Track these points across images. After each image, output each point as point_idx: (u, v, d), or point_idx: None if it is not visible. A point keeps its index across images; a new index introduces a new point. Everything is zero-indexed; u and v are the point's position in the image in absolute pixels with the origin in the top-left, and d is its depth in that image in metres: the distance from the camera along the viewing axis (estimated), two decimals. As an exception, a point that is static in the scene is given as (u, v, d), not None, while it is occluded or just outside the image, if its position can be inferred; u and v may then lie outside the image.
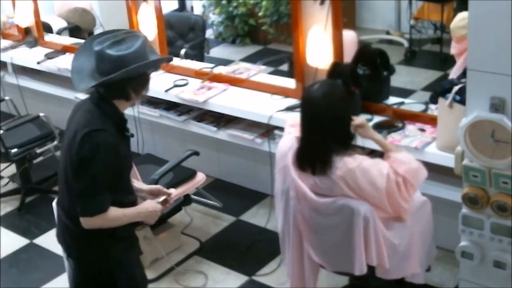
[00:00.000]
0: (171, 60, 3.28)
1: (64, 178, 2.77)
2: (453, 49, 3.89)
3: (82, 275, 2.96)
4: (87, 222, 2.68)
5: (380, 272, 3.11)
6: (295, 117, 3.10)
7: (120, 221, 2.75)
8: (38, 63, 5.23)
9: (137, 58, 2.63)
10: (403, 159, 3.00)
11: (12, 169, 5.10)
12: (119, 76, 2.61)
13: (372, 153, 3.67)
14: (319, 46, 3.85)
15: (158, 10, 4.62)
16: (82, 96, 5.04)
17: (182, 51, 5.17)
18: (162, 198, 2.93)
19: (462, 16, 3.74)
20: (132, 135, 2.86)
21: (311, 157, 3.00)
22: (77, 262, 2.94)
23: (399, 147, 3.22)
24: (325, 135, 2.95)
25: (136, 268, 2.97)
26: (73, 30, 5.85)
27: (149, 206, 2.86)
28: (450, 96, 3.23)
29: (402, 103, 3.88)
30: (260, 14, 6.69)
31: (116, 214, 2.71)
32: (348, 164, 2.91)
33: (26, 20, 5.48)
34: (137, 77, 2.68)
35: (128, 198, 2.83)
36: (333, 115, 2.95)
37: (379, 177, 2.90)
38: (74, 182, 2.67)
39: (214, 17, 7.13)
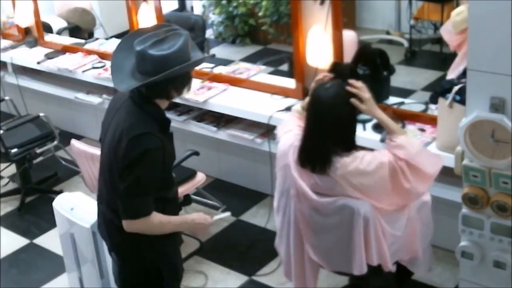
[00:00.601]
0: (213, 56, 3.08)
1: (109, 177, 2.75)
2: (454, 42, 3.83)
3: (128, 269, 2.95)
4: (129, 225, 2.67)
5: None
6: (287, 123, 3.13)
7: (164, 228, 2.74)
8: (38, 63, 5.23)
9: (179, 58, 2.58)
10: (403, 143, 2.92)
11: (12, 169, 5.10)
12: (162, 78, 2.57)
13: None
14: (319, 46, 3.85)
15: (158, 10, 4.62)
16: (82, 96, 5.05)
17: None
18: (221, 216, 2.92)
19: (457, 11, 3.72)
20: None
21: (312, 155, 2.99)
22: (123, 257, 2.94)
23: (403, 129, 3.12)
24: (330, 135, 2.95)
25: (177, 257, 2.99)
26: (73, 30, 5.86)
27: (197, 218, 2.85)
28: (450, 96, 3.23)
29: (402, 103, 3.88)
30: (260, 14, 6.68)
31: (161, 220, 2.70)
32: (348, 164, 2.91)
33: (26, 20, 5.49)
34: (180, 77, 2.65)
35: (171, 192, 2.84)
36: (341, 116, 2.96)
37: (381, 168, 2.88)
38: (120, 183, 2.64)
39: (214, 17, 7.13)
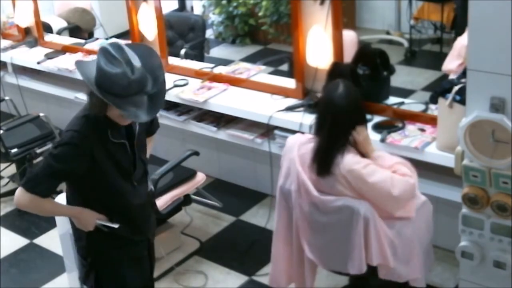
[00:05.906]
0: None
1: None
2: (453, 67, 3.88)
3: (82, 265, 3.01)
4: (20, 194, 2.78)
5: (383, 273, 3.11)
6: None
7: (46, 210, 2.86)
8: (38, 63, 5.23)
9: (106, 80, 2.55)
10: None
11: (12, 169, 5.10)
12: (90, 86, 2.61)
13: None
14: (319, 46, 3.85)
15: (158, 10, 4.62)
16: (82, 96, 5.05)
17: (182, 51, 5.17)
18: (108, 223, 2.82)
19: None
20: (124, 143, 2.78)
21: (327, 156, 3.01)
22: (78, 254, 3.02)
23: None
24: (341, 135, 2.98)
25: (126, 269, 2.93)
26: (73, 30, 5.85)
27: (85, 217, 2.81)
28: (450, 96, 3.23)
29: (402, 103, 3.88)
30: (260, 14, 6.68)
31: (49, 207, 2.84)
32: (353, 164, 2.92)
33: (26, 20, 5.49)
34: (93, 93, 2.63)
35: (113, 201, 2.82)
36: (353, 116, 2.99)
37: (384, 182, 2.92)
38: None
39: (214, 17, 7.13)
